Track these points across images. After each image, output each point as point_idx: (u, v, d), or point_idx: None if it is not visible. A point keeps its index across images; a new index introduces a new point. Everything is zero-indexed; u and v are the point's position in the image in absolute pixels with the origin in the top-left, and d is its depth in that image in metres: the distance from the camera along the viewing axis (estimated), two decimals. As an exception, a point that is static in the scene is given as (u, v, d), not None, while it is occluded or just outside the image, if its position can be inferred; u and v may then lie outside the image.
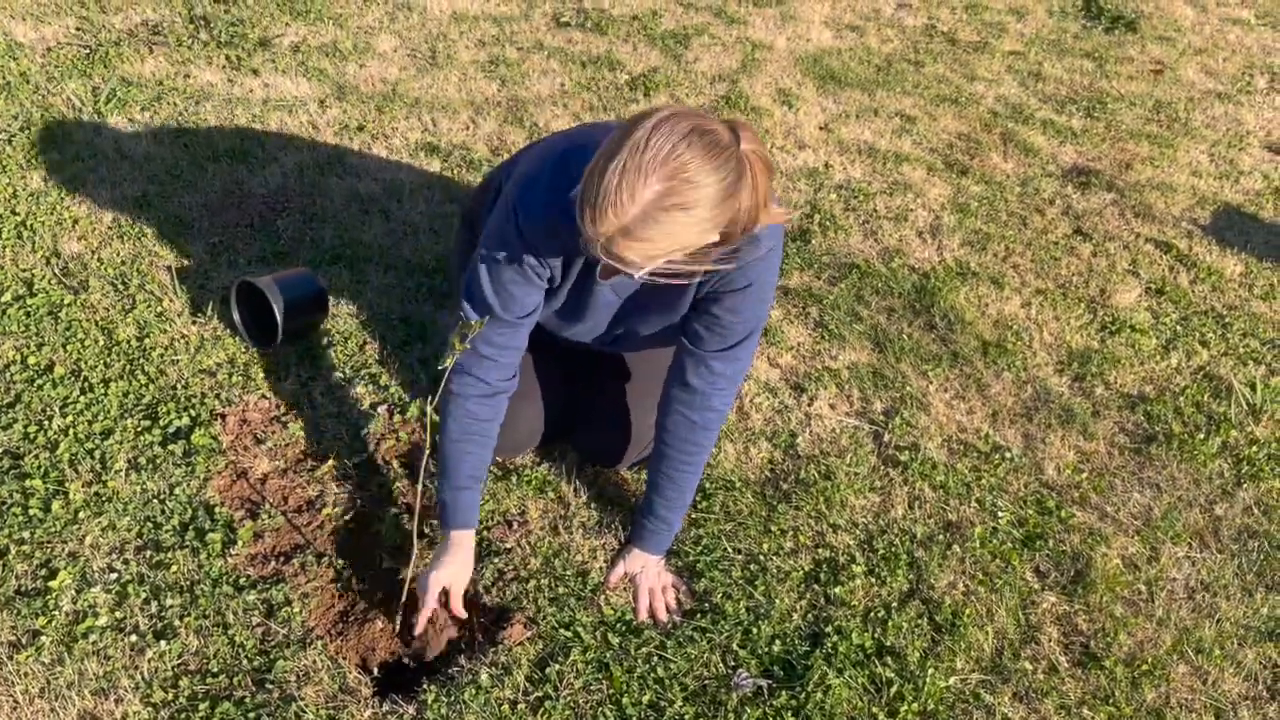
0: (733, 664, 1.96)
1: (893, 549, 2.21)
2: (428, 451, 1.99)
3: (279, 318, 2.44)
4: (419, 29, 4.19)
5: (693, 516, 2.24)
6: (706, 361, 1.92)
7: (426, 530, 2.15)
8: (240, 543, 2.08)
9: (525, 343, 1.97)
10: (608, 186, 1.47)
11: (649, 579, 2.08)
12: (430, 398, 1.90)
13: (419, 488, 1.94)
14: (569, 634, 1.98)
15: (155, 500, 2.14)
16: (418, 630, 1.97)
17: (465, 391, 1.94)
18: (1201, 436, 2.58)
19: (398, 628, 2.00)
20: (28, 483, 2.13)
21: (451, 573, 1.98)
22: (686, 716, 1.86)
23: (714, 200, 1.51)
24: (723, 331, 1.89)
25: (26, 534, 2.03)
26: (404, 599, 2.01)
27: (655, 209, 1.48)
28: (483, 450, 2.00)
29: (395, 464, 2.31)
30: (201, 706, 1.79)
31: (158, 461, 2.22)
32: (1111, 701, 1.96)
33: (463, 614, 1.99)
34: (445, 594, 1.97)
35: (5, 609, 1.90)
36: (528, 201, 1.80)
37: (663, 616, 2.03)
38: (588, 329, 2.06)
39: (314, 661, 1.88)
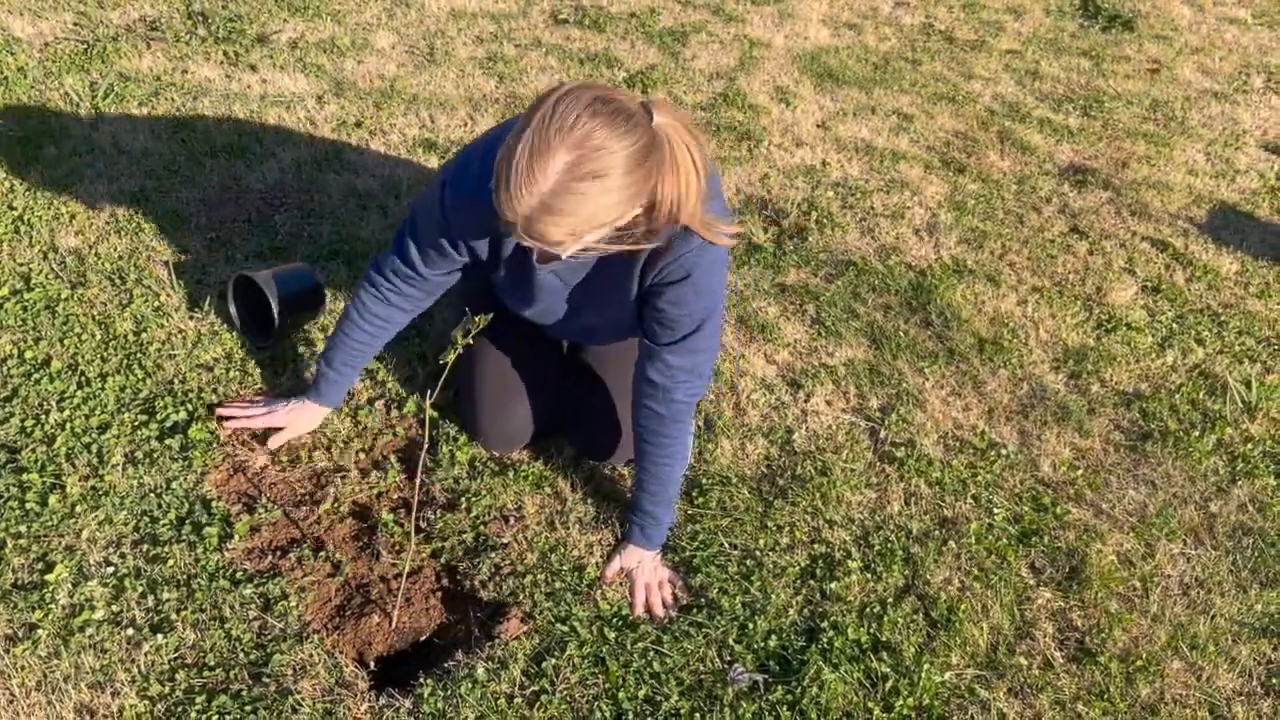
0: (728, 659, 1.97)
1: (888, 545, 2.22)
2: (425, 448, 1.99)
3: (276, 312, 2.44)
4: (417, 25, 4.19)
5: (689, 512, 2.25)
6: (661, 355, 1.93)
7: (424, 525, 2.16)
8: (237, 537, 2.08)
9: (431, 299, 2.14)
10: (517, 166, 1.48)
11: (645, 574, 2.08)
12: (430, 393, 1.91)
13: (417, 482, 1.95)
14: (565, 628, 1.98)
15: (152, 494, 2.14)
16: (234, 421, 2.29)
17: (368, 294, 2.12)
18: (1197, 434, 2.59)
19: (395, 622, 2.00)
20: (24, 476, 2.13)
21: (289, 427, 2.28)
22: (682, 711, 1.86)
23: (625, 166, 1.51)
24: (670, 324, 1.89)
25: (23, 528, 2.03)
26: (401, 592, 2.01)
27: (568, 179, 1.48)
28: (362, 340, 2.17)
29: (393, 458, 2.31)
30: (198, 700, 1.79)
31: (155, 456, 2.22)
32: (1106, 697, 1.97)
33: (269, 445, 2.28)
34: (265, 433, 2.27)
35: (2, 602, 1.90)
36: (457, 181, 1.84)
37: (659, 611, 2.04)
38: (541, 312, 2.08)
39: (310, 655, 1.89)
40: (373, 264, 2.12)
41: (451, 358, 1.81)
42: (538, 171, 1.47)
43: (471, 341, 1.76)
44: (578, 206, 1.50)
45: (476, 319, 1.73)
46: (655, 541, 2.11)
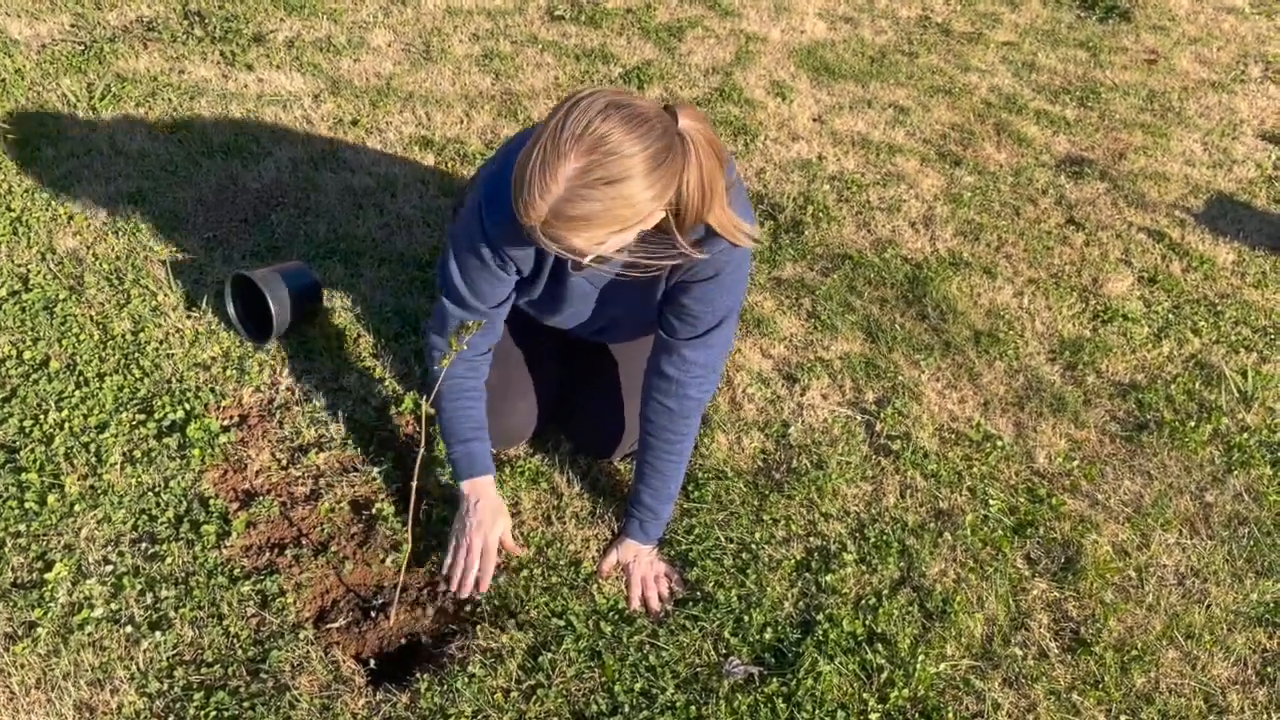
0: (724, 651, 1.97)
1: (884, 537, 2.23)
2: (421, 449, 2.00)
3: (273, 311, 2.45)
4: (413, 23, 4.19)
5: (685, 506, 2.25)
6: (680, 350, 1.94)
7: (421, 519, 2.17)
8: (235, 534, 2.09)
9: (500, 330, 2.05)
10: (531, 174, 1.50)
11: (641, 568, 2.09)
12: (425, 396, 1.92)
13: (414, 485, 1.96)
14: (561, 623, 1.99)
15: (150, 493, 2.15)
16: (466, 590, 2.00)
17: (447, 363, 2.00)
18: (1193, 424, 2.59)
19: (392, 618, 2.01)
20: (23, 476, 2.14)
21: (495, 524, 2.05)
22: (678, 704, 1.87)
23: (643, 170, 1.51)
24: (693, 320, 1.91)
25: (22, 527, 2.05)
26: (398, 588, 2.02)
27: (579, 186, 1.49)
28: (478, 404, 2.08)
29: (390, 455, 2.32)
30: (197, 696, 1.81)
31: (153, 454, 2.23)
32: (1101, 687, 1.97)
33: (519, 551, 2.10)
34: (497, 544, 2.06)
35: (1, 601, 1.91)
36: (493, 200, 1.82)
37: (655, 605, 2.05)
38: (567, 318, 2.08)
39: (308, 651, 1.90)
40: (432, 339, 2.05)
41: (446, 362, 1.83)
42: (549, 178, 1.49)
43: (465, 346, 1.77)
44: (592, 211, 1.51)
45: (469, 324, 1.75)
46: (653, 536, 2.12)
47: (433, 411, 2.34)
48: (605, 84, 3.90)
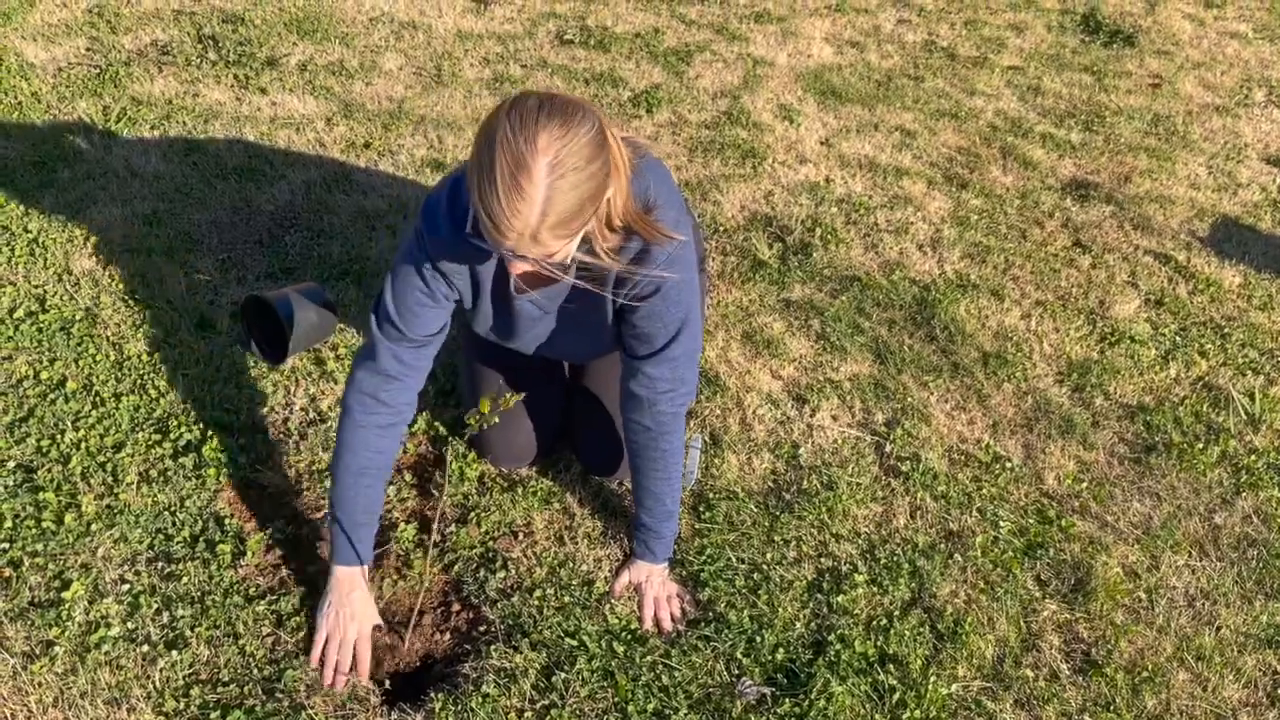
0: (737, 672, 1.98)
1: (895, 558, 2.24)
2: (447, 481, 2.01)
3: (289, 332, 2.47)
4: (424, 47, 4.24)
5: (696, 527, 2.27)
6: (642, 369, 1.94)
7: (436, 538, 2.18)
8: (250, 553, 2.11)
9: (430, 364, 1.97)
10: (504, 190, 1.46)
11: (654, 588, 2.10)
12: (455, 438, 1.93)
13: (440, 506, 1.97)
14: (574, 643, 2.00)
15: (166, 512, 2.17)
16: (336, 681, 1.91)
17: (367, 421, 1.93)
18: (1201, 446, 2.61)
19: (407, 640, 2.02)
20: (41, 496, 2.16)
21: (362, 621, 1.95)
22: (691, 724, 1.88)
23: (591, 151, 1.50)
24: (648, 338, 1.90)
25: (40, 546, 2.06)
26: (414, 610, 2.03)
27: (554, 179, 1.47)
28: (379, 484, 1.98)
29: (405, 475, 2.33)
30: (213, 715, 1.82)
31: (169, 474, 2.25)
32: (1113, 708, 1.98)
33: (366, 668, 1.94)
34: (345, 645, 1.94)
35: (19, 620, 1.93)
36: (432, 226, 1.80)
37: (667, 625, 2.06)
38: (527, 341, 2.07)
39: (323, 671, 1.91)
40: (356, 378, 1.94)
41: (474, 424, 1.81)
42: (525, 185, 1.46)
43: (496, 421, 1.76)
44: (567, 203, 1.50)
45: (508, 396, 1.75)
46: (661, 555, 2.13)
47: (457, 445, 2.36)
48: (614, 108, 3.94)
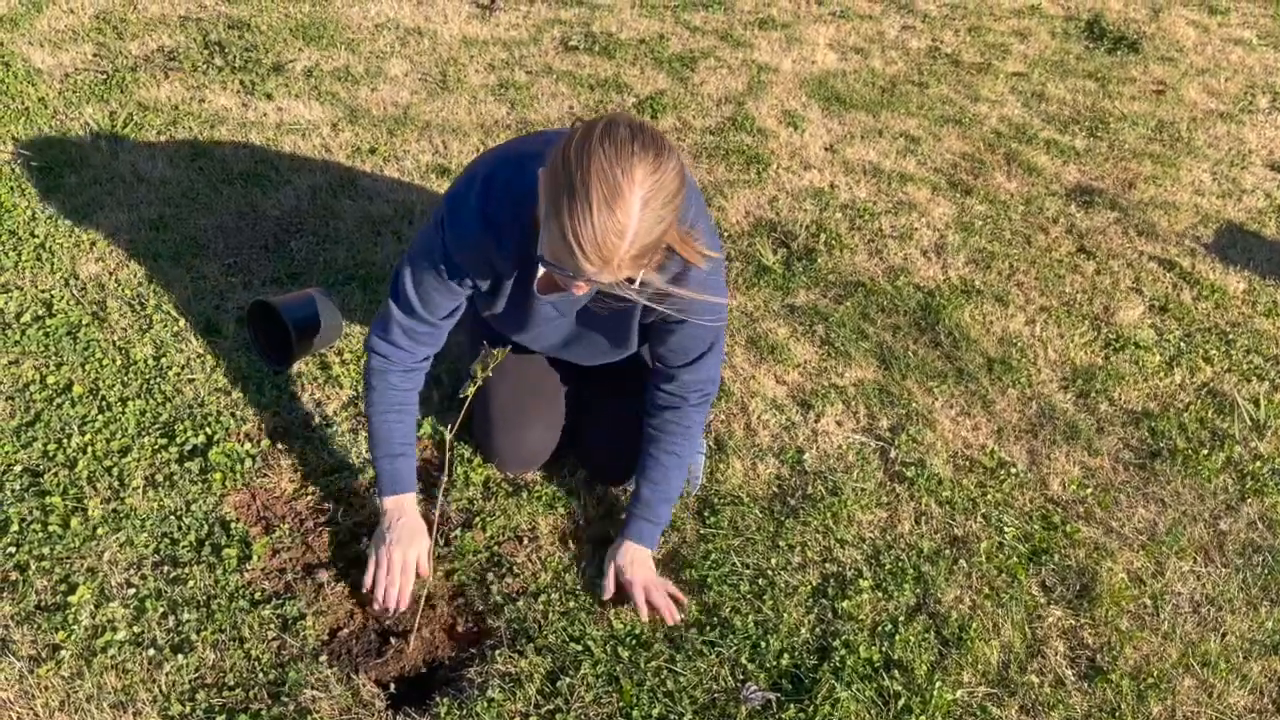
0: (741, 677, 1.98)
1: (899, 564, 2.24)
2: (445, 478, 2.02)
3: (293, 338, 2.48)
4: (430, 53, 4.25)
5: (701, 532, 2.27)
6: (676, 375, 2.04)
7: (440, 542, 2.18)
8: (256, 558, 2.11)
9: (444, 339, 2.07)
10: (600, 221, 1.47)
11: (642, 574, 2.09)
12: (451, 426, 1.94)
13: (436, 511, 1.98)
14: (579, 647, 2.00)
15: (172, 516, 2.18)
16: (390, 604, 2.01)
17: (386, 367, 2.04)
18: (1205, 452, 2.60)
19: (411, 644, 2.02)
20: (47, 500, 2.17)
21: (414, 543, 2.05)
22: (696, 729, 1.88)
23: (676, 187, 1.53)
24: (683, 350, 1.99)
25: (46, 550, 2.07)
26: (418, 614, 2.04)
27: (645, 212, 1.49)
28: (409, 419, 2.09)
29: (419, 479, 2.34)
30: (218, 719, 1.82)
31: (175, 478, 2.25)
32: (1118, 715, 1.98)
33: (428, 572, 2.06)
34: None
35: (26, 623, 1.93)
36: (456, 220, 1.84)
37: (673, 614, 2.04)
38: (533, 338, 2.10)
39: (328, 675, 1.91)
40: (374, 341, 2.04)
41: (471, 391, 1.83)
42: (621, 217, 1.47)
43: (490, 375, 1.78)
44: (653, 235, 1.52)
45: (495, 352, 1.75)
46: (649, 540, 2.13)
47: (454, 440, 2.37)
48: (618, 113, 3.95)
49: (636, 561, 2.11)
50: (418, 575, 2.06)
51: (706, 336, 1.97)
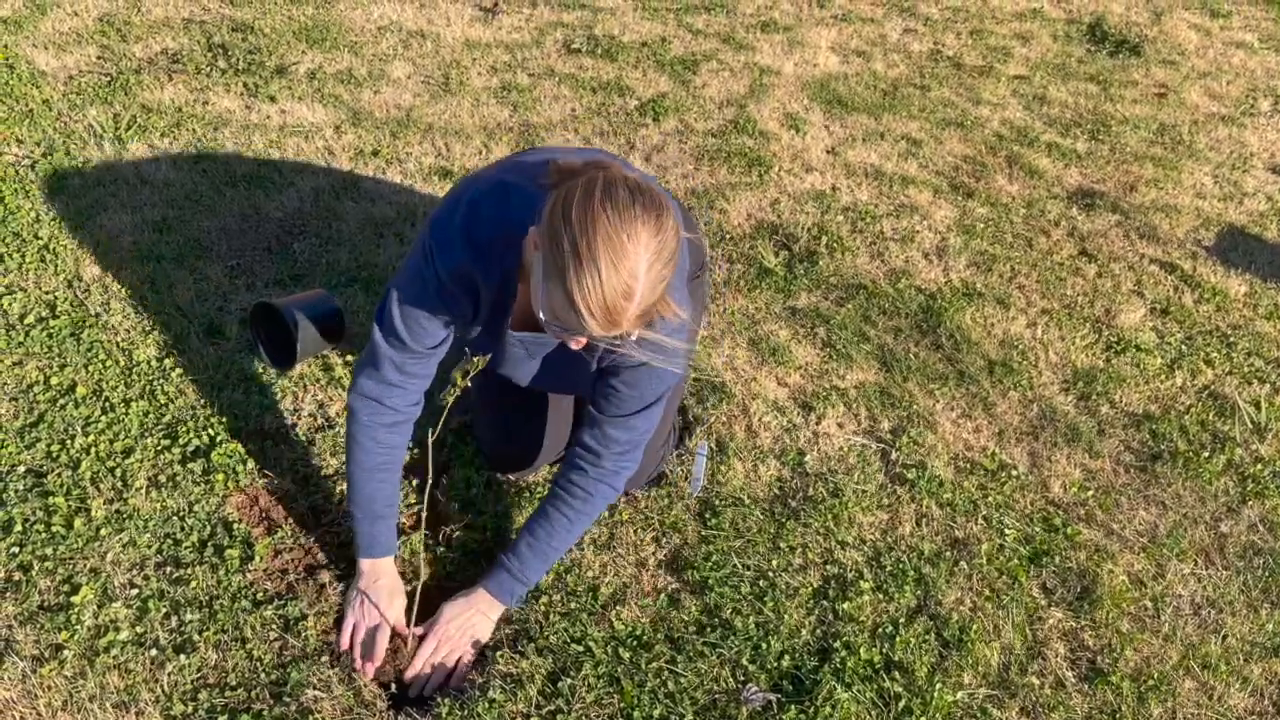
0: (742, 678, 1.99)
1: (900, 566, 2.24)
2: (429, 482, 2.01)
3: (297, 339, 2.48)
4: (432, 56, 4.26)
5: (702, 533, 2.27)
6: (603, 425, 1.94)
7: (430, 543, 2.19)
8: (258, 558, 2.12)
9: (434, 372, 1.98)
10: (610, 288, 1.46)
11: (454, 627, 1.99)
12: (432, 430, 1.92)
13: (423, 507, 1.98)
14: (580, 648, 2.01)
15: (175, 517, 2.18)
16: (364, 668, 1.95)
17: (374, 420, 1.96)
18: (1206, 455, 2.61)
19: (409, 643, 2.02)
20: (50, 500, 2.17)
21: (391, 604, 2.00)
22: (697, 730, 1.88)
23: (675, 244, 1.52)
24: (619, 401, 1.91)
25: (49, 550, 2.08)
26: (414, 613, 2.04)
27: (650, 275, 1.49)
28: (395, 477, 2.02)
29: (411, 480, 2.34)
30: (221, 719, 1.82)
31: (177, 479, 2.26)
32: (1118, 717, 1.98)
33: (407, 631, 2.00)
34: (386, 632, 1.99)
35: (29, 623, 1.94)
36: (443, 245, 1.80)
37: (429, 681, 1.95)
38: (504, 368, 2.04)
39: (330, 675, 1.92)
40: (360, 384, 1.95)
41: (451, 399, 1.82)
42: (630, 282, 1.46)
43: (469, 383, 1.77)
44: (655, 294, 1.51)
45: (475, 359, 1.75)
46: (504, 596, 2.02)
47: (446, 441, 2.37)
48: (621, 116, 3.96)
49: (463, 616, 2.00)
50: (396, 634, 2.01)
51: (648, 392, 1.89)
